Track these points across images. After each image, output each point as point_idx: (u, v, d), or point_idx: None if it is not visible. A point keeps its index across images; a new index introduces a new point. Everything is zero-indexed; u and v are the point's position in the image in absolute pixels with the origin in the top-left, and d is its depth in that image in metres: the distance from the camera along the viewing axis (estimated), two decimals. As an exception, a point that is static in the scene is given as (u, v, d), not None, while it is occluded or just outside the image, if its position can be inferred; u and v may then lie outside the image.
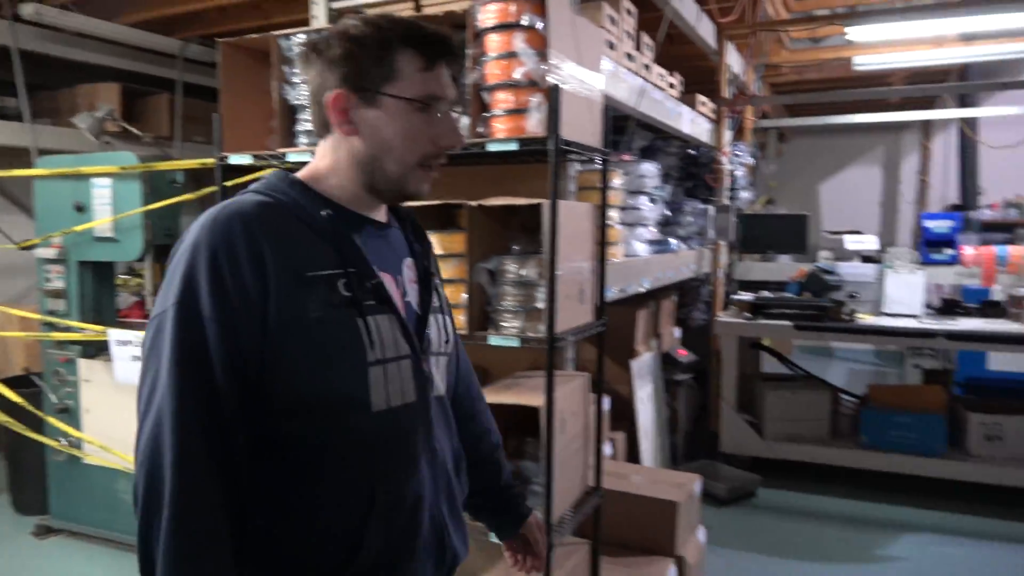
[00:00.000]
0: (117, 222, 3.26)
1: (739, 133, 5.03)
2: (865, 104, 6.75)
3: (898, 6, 5.45)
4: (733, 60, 4.69)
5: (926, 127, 7.82)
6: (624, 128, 3.04)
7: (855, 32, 4.11)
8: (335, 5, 2.67)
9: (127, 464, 3.34)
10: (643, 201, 3.28)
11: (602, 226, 2.31)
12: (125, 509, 3.41)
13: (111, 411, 3.39)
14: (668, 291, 4.49)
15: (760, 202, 6.78)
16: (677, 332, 4.61)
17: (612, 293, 2.75)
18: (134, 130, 4.37)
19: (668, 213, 4.03)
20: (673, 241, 3.76)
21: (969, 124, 6.71)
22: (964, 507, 3.94)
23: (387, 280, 1.12)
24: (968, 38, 5.16)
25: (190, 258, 0.99)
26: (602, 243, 2.31)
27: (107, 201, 3.27)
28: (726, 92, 4.46)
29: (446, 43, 1.10)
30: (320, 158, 1.14)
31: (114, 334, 3.11)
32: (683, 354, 4.35)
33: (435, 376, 1.18)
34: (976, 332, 3.97)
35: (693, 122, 3.96)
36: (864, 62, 4.94)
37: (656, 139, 3.96)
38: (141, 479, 0.97)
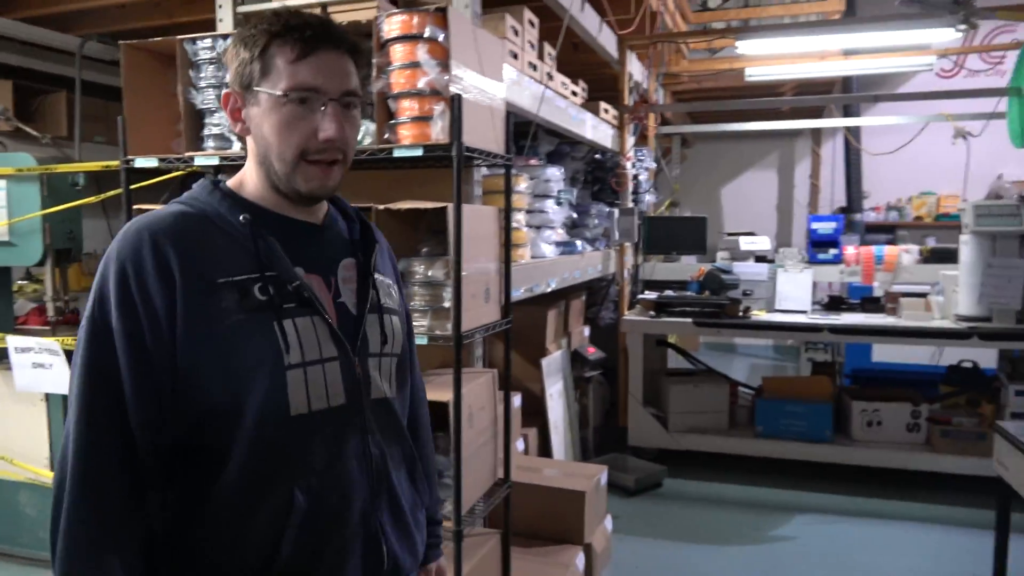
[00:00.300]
0: (13, 226, 3.15)
1: (642, 139, 5.26)
2: (762, 112, 7.14)
3: (786, 22, 5.84)
4: (635, 69, 4.90)
5: (816, 134, 8.34)
6: (531, 133, 3.16)
7: (745, 46, 4.38)
8: (242, 9, 2.68)
9: (31, 475, 3.23)
10: (549, 204, 3.41)
11: (507, 228, 2.42)
12: (28, 523, 3.30)
13: (10, 421, 3.27)
14: (577, 291, 4.66)
15: (665, 205, 7.08)
16: (586, 330, 4.78)
17: (519, 293, 2.86)
18: (30, 130, 4.20)
19: (575, 215, 4.18)
20: (579, 243, 3.91)
21: (853, 132, 7.21)
22: (848, 488, 4.26)
23: (315, 282, 1.11)
24: (849, 52, 5.57)
25: (102, 271, 1.02)
26: (507, 245, 2.42)
27: (2, 204, 3.16)
28: (628, 99, 4.66)
29: (320, 31, 1.05)
30: (247, 162, 1.15)
31: (13, 341, 3.01)
32: (592, 351, 4.51)
33: (375, 378, 1.15)
34: (855, 325, 4.31)
35: (596, 128, 4.13)
36: (755, 73, 5.26)
37: (562, 144, 4.11)
38: (54, 483, 1.01)
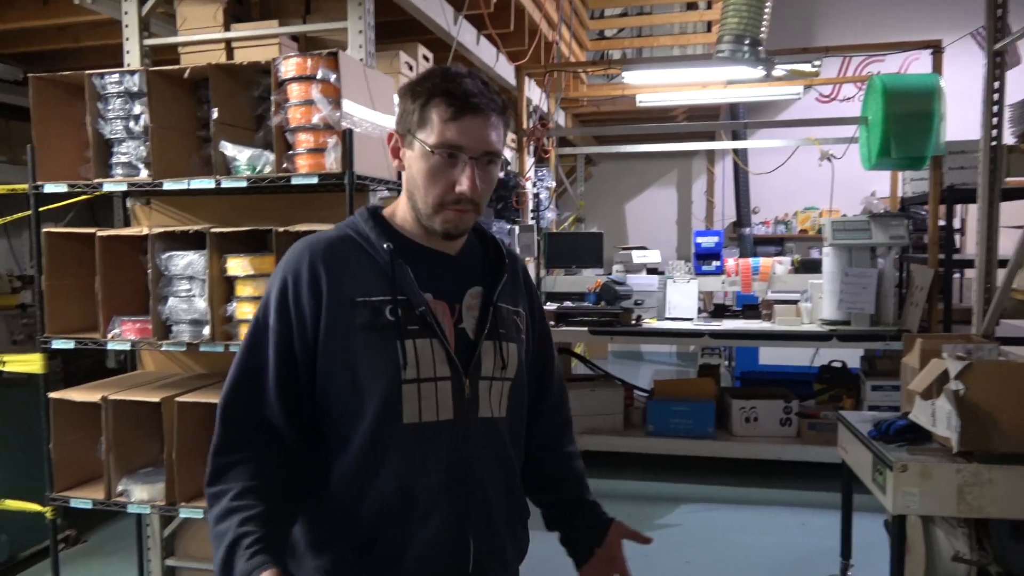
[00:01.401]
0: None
1: (543, 159, 5.60)
2: (659, 135, 7.64)
3: (675, 52, 6.31)
4: (534, 94, 5.24)
5: (711, 155, 8.92)
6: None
7: (630, 76, 4.78)
8: (148, 42, 2.84)
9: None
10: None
11: (400, 247, 2.66)
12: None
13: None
14: (481, 303, 4.93)
15: (570, 220, 7.46)
16: (491, 341, 5.05)
17: (417, 305, 3.11)
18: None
19: (477, 233, 4.46)
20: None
21: (740, 154, 7.79)
22: (729, 479, 4.67)
23: (440, 307, 1.25)
24: (731, 82, 6.08)
25: (272, 280, 1.26)
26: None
27: (-99, 227, 3.20)
28: (526, 123, 4.99)
29: (471, 98, 1.18)
30: (401, 192, 1.32)
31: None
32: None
33: (483, 399, 1.27)
34: (731, 330, 4.74)
35: (495, 152, 4.43)
36: (645, 99, 5.68)
37: (464, 166, 4.38)
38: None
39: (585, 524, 1.49)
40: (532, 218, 5.14)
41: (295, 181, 2.28)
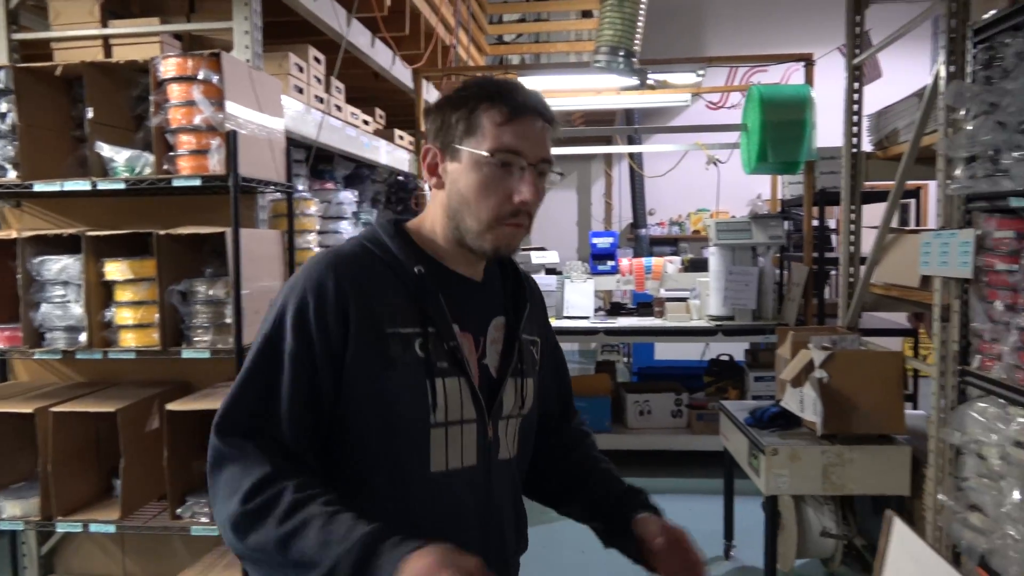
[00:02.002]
0: None
1: (442, 162, 5.63)
2: (558, 138, 7.80)
3: (571, 59, 6.48)
4: (432, 97, 5.27)
5: (608, 158, 9.19)
6: (308, 158, 3.40)
7: (525, 81, 4.88)
8: (17, 36, 2.71)
9: None
10: (343, 225, 3.66)
11: (290, 249, 2.65)
12: None
13: None
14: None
15: (472, 223, 7.52)
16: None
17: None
18: None
19: (375, 235, 4.46)
20: (376, 260, 4.18)
21: (635, 158, 8.07)
22: (625, 470, 4.81)
23: (466, 341, 1.14)
24: (624, 88, 6.29)
25: (286, 295, 1.09)
26: (291, 264, 2.65)
27: None
28: (424, 126, 5.01)
29: (527, 99, 1.10)
30: (429, 207, 1.18)
31: None
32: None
33: (503, 440, 1.18)
34: (624, 327, 4.92)
35: (391, 153, 4.44)
36: (543, 104, 5.81)
37: (361, 168, 4.38)
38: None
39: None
40: (431, 220, 5.17)
41: (177, 183, 2.23)
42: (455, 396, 1.10)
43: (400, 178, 5.21)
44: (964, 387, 2.40)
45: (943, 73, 2.47)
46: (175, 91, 2.23)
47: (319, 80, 3.29)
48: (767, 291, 4.85)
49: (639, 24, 3.58)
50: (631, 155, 7.92)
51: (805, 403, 2.95)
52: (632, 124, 7.24)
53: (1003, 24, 2.08)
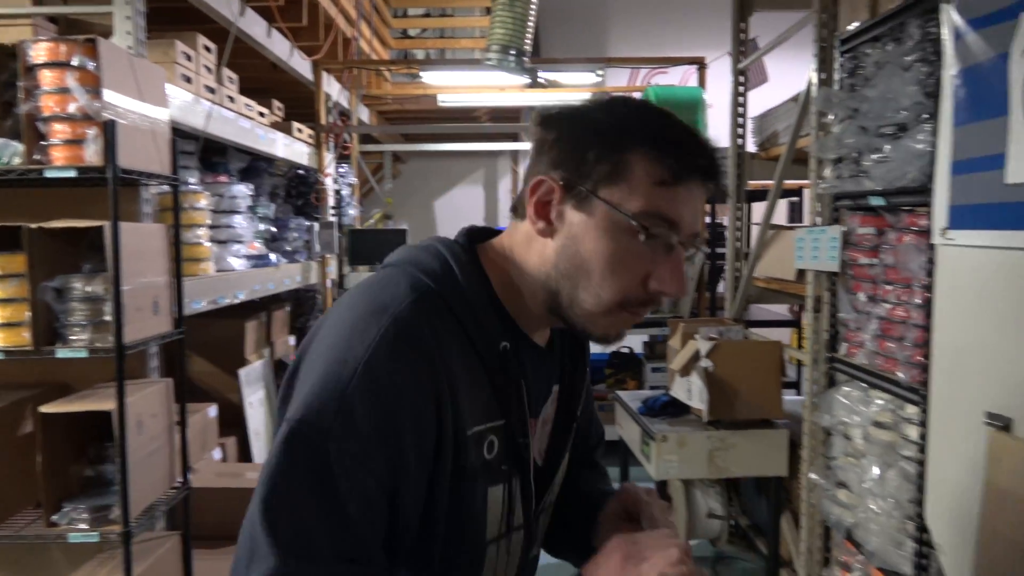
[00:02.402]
0: None
1: (344, 156, 5.56)
2: (465, 134, 7.84)
3: (476, 56, 6.51)
4: (334, 90, 5.19)
5: (514, 154, 9.28)
6: (197, 150, 3.30)
7: (428, 76, 4.88)
8: None
9: None
10: (237, 219, 3.56)
11: (176, 243, 2.56)
12: None
13: None
14: (281, 302, 4.82)
15: (377, 217, 7.44)
16: (292, 340, 4.95)
17: (200, 305, 3.00)
18: None
19: (274, 230, 4.36)
20: (273, 256, 4.09)
21: (541, 154, 8.18)
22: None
23: (531, 429, 0.89)
24: (529, 86, 6.38)
25: (341, 372, 0.76)
26: (177, 259, 2.56)
27: None
28: (326, 119, 4.93)
29: (701, 156, 0.82)
30: (510, 239, 0.89)
31: None
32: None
33: (536, 536, 0.96)
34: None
35: (290, 147, 4.34)
36: (447, 99, 5.82)
37: (257, 161, 4.26)
38: None
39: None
40: (333, 215, 5.10)
41: (49, 174, 2.12)
42: (516, 503, 0.87)
43: (300, 172, 5.11)
44: (833, 373, 2.57)
45: (815, 80, 2.63)
46: (47, 77, 2.11)
47: (209, 70, 3.19)
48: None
49: (530, 24, 3.65)
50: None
51: (693, 391, 3.09)
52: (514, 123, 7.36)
53: (865, 35, 2.23)
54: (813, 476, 2.61)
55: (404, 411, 0.76)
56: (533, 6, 3.63)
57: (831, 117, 2.45)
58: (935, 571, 1.81)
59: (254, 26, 3.74)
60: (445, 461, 0.79)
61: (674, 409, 3.19)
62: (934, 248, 1.52)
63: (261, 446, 4.15)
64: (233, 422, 3.98)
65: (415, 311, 0.79)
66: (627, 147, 0.80)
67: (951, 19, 1.40)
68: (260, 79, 4.70)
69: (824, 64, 2.58)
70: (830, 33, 2.57)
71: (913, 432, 1.97)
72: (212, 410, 3.49)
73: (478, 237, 0.92)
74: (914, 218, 1.95)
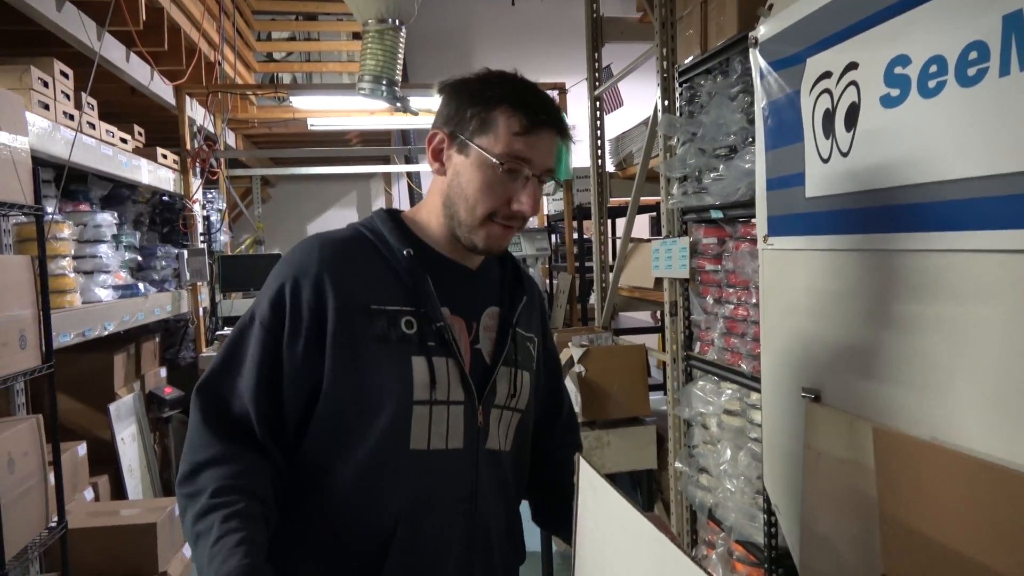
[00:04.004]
0: None
1: (211, 181, 5.44)
2: (336, 157, 7.82)
3: (344, 80, 6.55)
4: (198, 114, 5.09)
5: (387, 177, 9.33)
6: (62, 178, 3.19)
7: (297, 100, 4.89)
8: None
9: None
10: (103, 249, 3.45)
11: (42, 275, 2.48)
12: None
13: None
14: (150, 333, 4.65)
15: (248, 243, 7.28)
16: (163, 371, 4.78)
17: (68, 338, 2.89)
18: None
19: (140, 258, 4.22)
20: (142, 285, 3.97)
21: (414, 177, 8.30)
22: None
23: (457, 324, 1.13)
24: (398, 109, 6.49)
25: (272, 276, 1.10)
26: (43, 291, 2.48)
27: None
28: (190, 144, 4.83)
29: (549, 111, 1.09)
30: (427, 194, 1.18)
31: None
32: (169, 391, 4.55)
33: (493, 429, 1.14)
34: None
35: (154, 173, 4.23)
36: (317, 123, 5.83)
37: (120, 188, 4.12)
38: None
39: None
40: (203, 241, 4.98)
41: (-100, 207, 2.03)
42: (442, 376, 1.08)
43: (165, 198, 4.96)
44: (690, 369, 2.84)
45: (660, 107, 2.92)
46: None
47: (67, 96, 3.09)
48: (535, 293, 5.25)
49: (400, 55, 3.78)
50: (409, 174, 8.13)
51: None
52: (408, 144, 7.45)
53: (699, 68, 2.52)
54: (678, 465, 2.86)
55: (293, 292, 1.06)
56: (402, 38, 3.77)
57: (675, 140, 2.73)
58: (781, 535, 2.07)
59: (112, 51, 3.65)
60: (343, 323, 1.06)
61: (551, 413, 3.37)
62: (760, 253, 1.77)
63: (135, 483, 3.99)
64: (103, 460, 3.81)
65: (327, 236, 1.13)
66: (492, 105, 1.08)
67: (757, 61, 1.66)
68: (119, 103, 4.55)
69: (667, 92, 2.87)
70: (671, 65, 2.86)
71: (758, 416, 2.24)
72: (81, 448, 3.35)
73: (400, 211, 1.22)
74: (747, 228, 2.23)
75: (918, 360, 1.20)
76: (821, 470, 1.39)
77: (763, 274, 1.76)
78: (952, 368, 1.13)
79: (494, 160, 1.06)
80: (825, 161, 1.39)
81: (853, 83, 1.30)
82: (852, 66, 1.30)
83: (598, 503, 0.96)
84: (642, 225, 6.31)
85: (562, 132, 1.12)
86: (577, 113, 5.40)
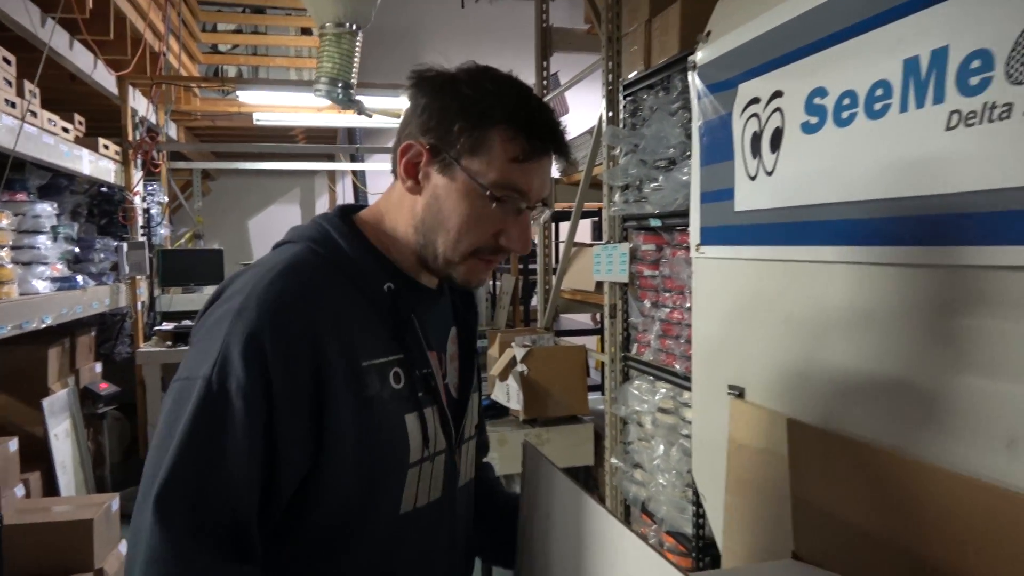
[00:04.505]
0: None
1: (152, 174, 5.35)
2: (280, 153, 7.75)
3: (292, 76, 6.51)
4: (140, 105, 5.00)
5: (332, 174, 9.28)
6: (23, 167, 3.13)
7: (244, 95, 4.87)
8: None
9: None
10: (41, 239, 3.39)
11: (-18, 266, 2.45)
12: None
13: None
14: (85, 327, 4.55)
15: (187, 237, 7.16)
16: (98, 366, 4.69)
17: (5, 331, 2.85)
18: None
19: (76, 250, 4.14)
20: (80, 277, 3.90)
21: (359, 175, 8.29)
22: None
23: (433, 361, 0.99)
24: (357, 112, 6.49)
25: (227, 330, 0.83)
26: (-17, 282, 2.45)
27: None
28: (132, 135, 4.75)
29: (554, 136, 0.93)
30: (386, 201, 1.00)
31: None
32: (105, 387, 4.47)
33: (462, 466, 1.05)
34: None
35: (95, 163, 4.16)
36: (263, 118, 5.79)
37: (58, 178, 4.04)
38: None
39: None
40: (143, 235, 4.90)
41: None
42: (433, 428, 0.96)
43: (104, 190, 4.87)
44: (627, 369, 2.97)
45: (604, 118, 3.05)
46: None
47: (9, 83, 3.04)
48: (482, 300, 5.36)
49: (356, 59, 3.83)
50: (354, 172, 8.12)
51: (511, 394, 3.39)
52: (354, 142, 7.44)
53: (642, 83, 2.66)
54: (614, 461, 2.99)
55: (277, 351, 0.83)
56: (359, 43, 3.82)
57: (618, 150, 2.86)
58: (709, 526, 2.21)
59: (57, 38, 3.58)
60: (338, 391, 0.86)
61: (495, 411, 3.48)
62: (693, 261, 1.91)
63: (69, 480, 3.92)
64: (35, 456, 3.73)
65: (293, 267, 0.90)
66: (487, 124, 0.90)
67: (695, 83, 1.80)
68: (58, 90, 4.44)
69: (612, 104, 3.00)
70: (616, 78, 3.00)
71: (689, 414, 2.37)
72: (12, 444, 3.29)
73: (351, 211, 1.03)
74: (684, 236, 2.36)
75: (825, 359, 1.35)
76: (742, 460, 1.53)
77: (695, 280, 1.89)
78: (848, 366, 1.28)
79: (486, 191, 0.91)
80: (752, 179, 1.53)
81: (778, 109, 1.44)
82: (778, 94, 1.44)
83: (545, 485, 1.05)
84: (586, 230, 6.47)
85: (566, 155, 0.96)
86: (524, 119, 5.51)
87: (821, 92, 1.31)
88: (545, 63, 4.07)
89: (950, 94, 1.03)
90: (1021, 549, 0.94)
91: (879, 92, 1.17)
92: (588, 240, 6.30)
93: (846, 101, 1.24)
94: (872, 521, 1.17)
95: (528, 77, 4.65)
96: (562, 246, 4.14)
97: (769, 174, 1.46)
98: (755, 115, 1.51)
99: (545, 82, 4.09)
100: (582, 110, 5.39)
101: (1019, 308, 0.98)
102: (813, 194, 1.33)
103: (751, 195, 1.53)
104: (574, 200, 4.00)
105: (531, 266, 5.42)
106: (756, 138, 1.50)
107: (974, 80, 0.99)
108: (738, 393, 1.60)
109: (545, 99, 4.06)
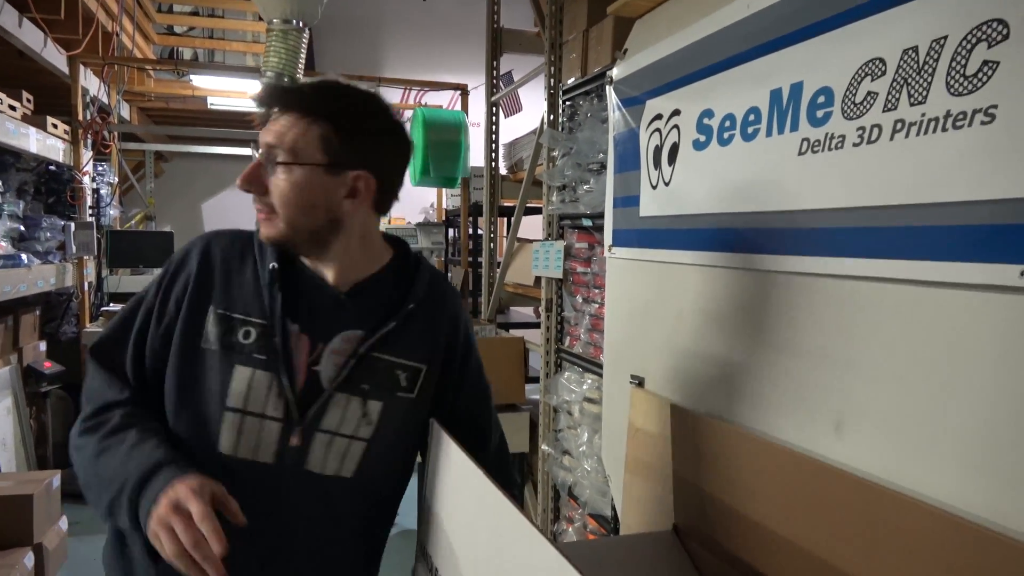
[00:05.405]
0: None
1: (103, 154, 5.33)
2: (235, 138, 7.71)
3: (248, 61, 6.51)
4: (92, 85, 4.98)
5: (289, 159, 9.25)
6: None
7: (197, 79, 4.88)
8: None
9: None
10: (-15, 218, 3.40)
11: (-75, 243, 2.49)
12: None
13: None
14: (29, 305, 4.55)
15: (138, 218, 7.11)
16: (43, 345, 4.68)
17: (-54, 306, 2.87)
18: None
19: (22, 228, 4.14)
20: (25, 256, 3.91)
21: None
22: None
23: (302, 344, 1.14)
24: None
25: (174, 254, 1.21)
26: (-75, 258, 2.49)
27: None
28: (83, 115, 4.74)
29: (273, 96, 1.15)
30: None
31: None
32: (49, 366, 4.47)
33: (317, 453, 1.13)
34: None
35: (43, 142, 4.16)
36: (218, 103, 5.80)
37: (4, 155, 4.03)
38: None
39: None
40: (91, 215, 4.89)
41: None
42: (259, 389, 1.11)
43: (52, 168, 4.84)
44: (560, 361, 3.12)
45: (546, 120, 3.19)
46: None
47: (-44, 61, 3.05)
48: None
49: (302, 55, 3.90)
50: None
51: (449, 382, 3.51)
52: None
53: (579, 89, 2.80)
54: (545, 447, 3.14)
55: (172, 276, 1.18)
56: (305, 38, 3.89)
57: (556, 152, 3.00)
58: (622, 508, 2.37)
59: (5, 16, 3.58)
60: (188, 317, 1.15)
61: (433, 398, 3.59)
62: (606, 260, 2.06)
63: (10, 457, 3.93)
64: (-26, 433, 3.74)
65: (224, 232, 1.23)
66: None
67: (612, 96, 1.94)
68: (4, 66, 4.41)
69: (553, 107, 3.14)
70: (557, 83, 3.13)
71: (610, 403, 2.53)
72: (-49, 419, 3.30)
73: None
74: (610, 236, 2.52)
75: (702, 351, 1.50)
76: (638, 443, 1.68)
77: (608, 278, 2.05)
78: (719, 357, 1.44)
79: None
80: (654, 188, 1.68)
81: (676, 126, 1.59)
82: (676, 112, 1.59)
83: (448, 465, 1.17)
84: (535, 226, 6.62)
85: (305, 111, 1.13)
86: (478, 113, 5.62)
87: (709, 113, 1.46)
88: (495, 63, 4.19)
89: (802, 123, 1.19)
90: (842, 515, 1.10)
91: (751, 117, 1.32)
92: (536, 236, 6.45)
93: (727, 123, 1.39)
94: (745, 500, 1.33)
95: (483, 73, 4.79)
96: (505, 241, 4.27)
97: (667, 184, 1.61)
98: (658, 130, 1.66)
99: (496, 81, 4.21)
100: (534, 108, 5.53)
101: (850, 309, 1.14)
102: (698, 205, 1.48)
103: (652, 202, 1.68)
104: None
105: (479, 259, 5.55)
106: (658, 151, 1.65)
107: (820, 113, 1.15)
108: (639, 382, 1.75)
109: (494, 98, 4.19)
